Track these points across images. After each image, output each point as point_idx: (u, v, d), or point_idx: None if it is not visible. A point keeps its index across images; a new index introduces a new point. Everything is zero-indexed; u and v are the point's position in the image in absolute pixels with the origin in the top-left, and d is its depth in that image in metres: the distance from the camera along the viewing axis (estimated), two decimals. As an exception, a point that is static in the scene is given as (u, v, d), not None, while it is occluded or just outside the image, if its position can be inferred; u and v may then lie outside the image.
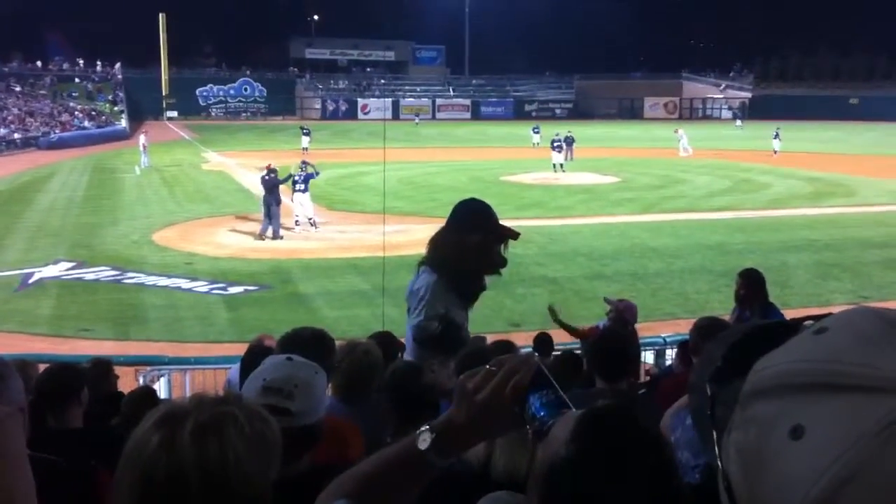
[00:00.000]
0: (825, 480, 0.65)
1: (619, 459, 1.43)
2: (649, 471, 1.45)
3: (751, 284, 7.88)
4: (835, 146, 53.02)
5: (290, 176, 23.77)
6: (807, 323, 0.79)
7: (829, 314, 0.79)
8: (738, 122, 77.89)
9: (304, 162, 25.22)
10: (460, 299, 5.16)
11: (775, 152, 48.07)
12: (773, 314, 7.73)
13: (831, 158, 45.73)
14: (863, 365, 0.69)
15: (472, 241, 5.03)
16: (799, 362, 0.73)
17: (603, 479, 1.41)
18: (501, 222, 5.15)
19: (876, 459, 0.64)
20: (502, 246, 5.15)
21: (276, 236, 22.61)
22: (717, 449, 0.79)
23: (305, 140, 48.94)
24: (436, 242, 5.22)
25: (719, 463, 0.78)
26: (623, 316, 8.00)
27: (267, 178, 22.85)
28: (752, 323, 0.86)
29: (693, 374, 0.90)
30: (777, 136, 49.06)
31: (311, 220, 23.92)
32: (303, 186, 23.67)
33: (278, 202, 22.72)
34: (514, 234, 5.21)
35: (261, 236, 22.64)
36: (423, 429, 1.57)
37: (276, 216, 22.77)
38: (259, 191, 24.01)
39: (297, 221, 23.90)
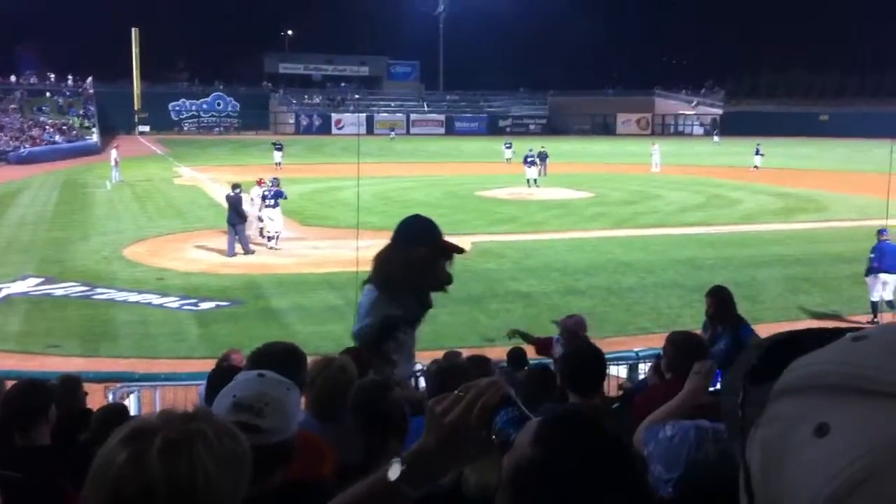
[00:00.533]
0: (840, 481, 0.66)
1: (582, 456, 1.45)
2: (613, 467, 1.46)
3: (719, 303, 7.97)
4: (806, 162, 53.64)
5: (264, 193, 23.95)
6: (846, 336, 0.79)
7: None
8: (716, 138, 78.44)
9: (274, 178, 25.36)
10: (408, 318, 5.15)
11: (756, 167, 48.57)
12: (744, 329, 7.82)
13: (808, 174, 46.22)
14: (894, 372, 0.70)
15: (416, 256, 5.03)
16: (832, 364, 0.74)
17: (568, 476, 1.42)
18: (449, 238, 5.16)
19: (889, 466, 0.65)
20: (447, 262, 5.14)
21: (246, 251, 22.54)
22: (742, 444, 0.80)
23: (278, 155, 48.97)
24: (381, 259, 5.22)
25: (743, 459, 0.79)
26: (577, 333, 8.01)
27: (232, 195, 22.99)
28: (794, 330, 0.88)
29: (727, 376, 0.91)
30: (758, 151, 49.54)
31: (276, 235, 23.86)
32: (272, 202, 23.64)
33: (244, 219, 22.89)
34: (459, 250, 5.21)
35: (231, 254, 22.53)
36: (393, 460, 1.57)
37: (242, 232, 22.85)
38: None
39: (269, 237, 23.82)
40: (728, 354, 7.39)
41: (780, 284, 19.27)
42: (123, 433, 1.55)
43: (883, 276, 15.93)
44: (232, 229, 22.73)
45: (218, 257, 22.48)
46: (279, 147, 50.07)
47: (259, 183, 24.52)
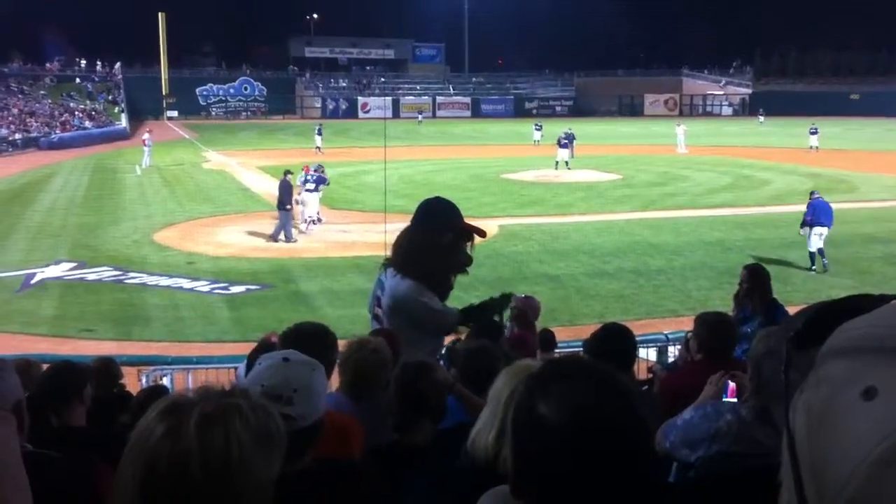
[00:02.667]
0: (890, 442, 0.65)
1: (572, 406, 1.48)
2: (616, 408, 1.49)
3: (754, 278, 7.87)
4: (836, 142, 52.98)
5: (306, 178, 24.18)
6: (893, 302, 0.79)
7: None
8: (761, 118, 77.11)
9: (318, 165, 25.66)
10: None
11: (813, 147, 47.54)
12: (777, 311, 7.72)
13: (838, 154, 45.60)
14: None
15: (444, 241, 5.02)
16: (881, 327, 0.74)
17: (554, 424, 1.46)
18: (472, 221, 5.18)
19: None
20: (469, 245, 5.14)
21: (288, 239, 22.48)
22: (785, 410, 0.80)
23: (318, 139, 49.45)
24: (404, 244, 5.18)
25: (787, 423, 0.79)
26: (525, 313, 7.96)
27: (283, 180, 22.93)
28: (839, 298, 0.88)
29: (769, 342, 0.92)
30: (815, 131, 48.37)
31: (311, 220, 24.03)
32: (313, 187, 23.98)
33: (289, 206, 22.68)
34: (481, 232, 5.22)
35: (273, 238, 22.57)
36: None
37: (288, 220, 22.72)
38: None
39: (310, 221, 24.00)
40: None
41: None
42: (161, 407, 1.57)
43: (817, 228, 18.58)
44: (283, 214, 22.55)
45: (248, 241, 22.62)
46: (320, 131, 50.49)
47: (305, 170, 24.53)
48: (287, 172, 23.28)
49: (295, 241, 22.47)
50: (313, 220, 24.08)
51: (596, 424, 1.47)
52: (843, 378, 0.73)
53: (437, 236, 5.05)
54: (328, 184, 24.75)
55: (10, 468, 1.73)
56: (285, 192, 22.56)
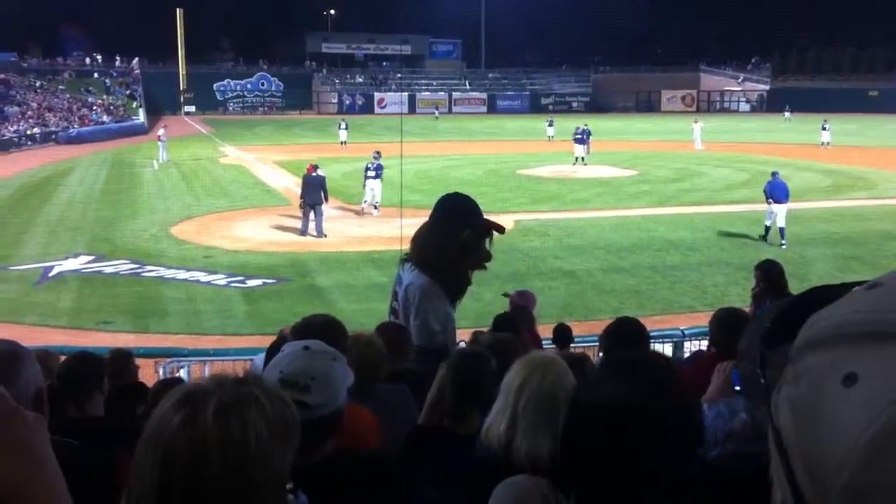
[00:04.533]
0: (878, 425, 0.66)
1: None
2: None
3: (767, 277, 7.82)
4: (855, 139, 52.58)
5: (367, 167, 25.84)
6: (856, 289, 0.79)
7: None
8: (787, 114, 76.46)
9: (376, 152, 26.70)
10: (449, 297, 5.17)
11: (823, 144, 48.05)
12: None
13: (857, 151, 45.28)
14: None
15: (465, 239, 5.02)
16: (852, 314, 0.74)
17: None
18: (490, 217, 5.18)
19: None
20: (488, 240, 5.14)
21: (319, 234, 22.50)
22: (769, 408, 0.80)
23: (343, 134, 50.23)
24: (423, 240, 5.18)
25: (770, 421, 0.79)
26: (523, 308, 7.90)
27: (314, 176, 22.85)
28: (804, 291, 0.88)
29: (742, 342, 0.92)
30: (826, 128, 48.86)
31: (376, 204, 25.56)
32: (374, 173, 25.53)
33: (320, 202, 22.66)
34: (501, 228, 5.21)
35: (303, 233, 22.62)
36: None
37: (321, 214, 22.73)
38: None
39: (365, 202, 25.77)
40: None
41: (829, 262, 19.00)
42: (177, 396, 1.56)
43: (774, 206, 21.04)
44: (311, 210, 22.57)
45: (264, 235, 22.71)
46: (345, 126, 51.15)
47: (308, 169, 24.39)
48: (316, 167, 23.22)
49: (325, 235, 22.50)
50: (375, 205, 25.63)
51: (641, 419, 1.49)
52: (821, 369, 0.73)
53: (454, 233, 5.02)
54: (383, 169, 26.07)
55: (57, 468, 1.70)
56: (320, 187, 22.60)
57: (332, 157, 40.70)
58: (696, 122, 50.99)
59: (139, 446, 1.55)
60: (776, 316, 0.85)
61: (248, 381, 1.64)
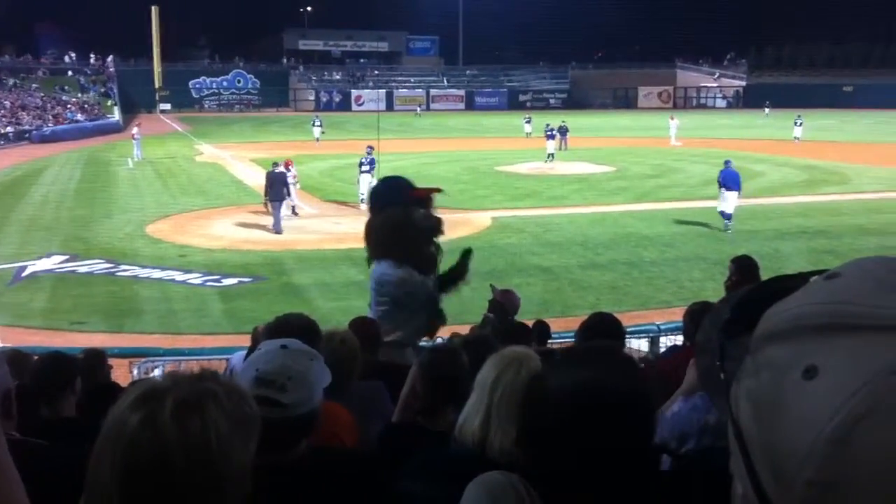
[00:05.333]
0: (840, 417, 0.65)
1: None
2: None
3: (743, 269, 7.86)
4: (830, 134, 53.05)
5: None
6: (813, 279, 0.78)
7: None
8: (767, 111, 77.10)
9: (370, 147, 27.10)
10: (421, 271, 5.32)
11: (795, 139, 48.80)
12: None
13: (832, 146, 45.69)
14: (876, 306, 0.69)
15: (396, 215, 5.17)
16: (811, 305, 0.73)
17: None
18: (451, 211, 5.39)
19: (890, 396, 0.64)
20: (428, 209, 5.28)
21: (275, 228, 22.65)
22: (727, 400, 0.79)
23: (317, 131, 50.70)
24: (368, 233, 5.37)
25: (730, 414, 0.78)
26: (502, 306, 7.93)
27: (275, 172, 23.23)
28: (762, 281, 0.87)
29: (700, 334, 0.90)
30: (799, 123, 49.63)
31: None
32: (367, 167, 26.07)
33: (280, 198, 22.88)
34: (434, 190, 5.38)
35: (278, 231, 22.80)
36: None
37: (278, 210, 22.90)
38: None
39: (362, 195, 25.24)
40: None
41: (804, 257, 19.13)
42: (133, 396, 1.54)
43: (726, 192, 22.31)
44: (275, 205, 22.83)
45: (240, 233, 22.60)
46: (319, 123, 51.67)
47: (286, 164, 24.82)
48: (276, 164, 23.52)
49: (281, 232, 22.63)
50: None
51: (601, 399, 1.48)
52: (781, 361, 0.72)
53: (390, 215, 5.26)
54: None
55: (13, 469, 1.69)
56: (282, 183, 22.89)
57: (310, 154, 40.59)
58: (672, 118, 51.28)
59: (97, 447, 1.52)
60: (735, 306, 0.84)
61: (205, 376, 1.62)
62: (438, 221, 5.33)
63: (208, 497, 1.51)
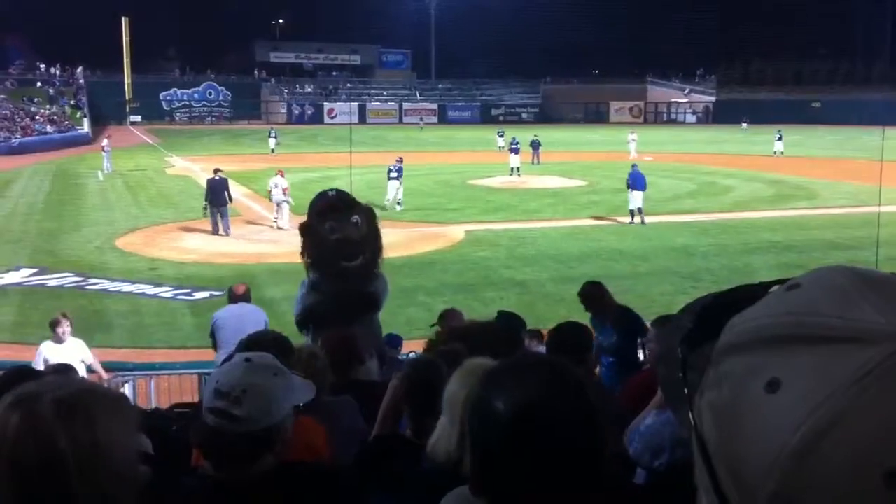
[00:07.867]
0: (803, 431, 0.65)
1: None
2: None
3: (588, 299, 8.10)
4: (798, 149, 53.64)
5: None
6: (774, 288, 0.78)
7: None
8: (744, 125, 78.12)
9: (399, 158, 29.86)
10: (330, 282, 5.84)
11: (776, 153, 50.20)
12: (632, 320, 7.91)
13: (800, 161, 46.20)
14: (838, 317, 0.69)
15: (303, 229, 6.03)
16: (773, 316, 0.73)
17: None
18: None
19: (853, 409, 0.64)
20: (332, 223, 5.78)
21: (227, 232, 23.86)
22: (689, 413, 0.79)
23: (272, 142, 52.00)
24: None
25: (692, 426, 0.77)
26: (449, 324, 7.98)
27: (216, 179, 24.45)
28: (724, 290, 0.87)
29: (661, 345, 0.90)
30: (779, 137, 50.86)
31: (399, 202, 28.50)
32: (396, 174, 28.51)
33: (224, 203, 24.07)
34: (327, 201, 5.89)
35: (214, 232, 23.98)
36: None
37: (226, 214, 24.08)
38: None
39: (388, 200, 27.91)
40: (619, 348, 7.46)
41: (774, 271, 19.28)
42: (8, 400, 1.53)
43: (634, 192, 25.58)
44: (216, 211, 23.95)
45: (212, 246, 22.45)
46: (274, 135, 53.15)
47: (279, 173, 26.09)
48: (217, 170, 24.84)
49: (230, 234, 23.91)
50: (398, 202, 28.59)
51: (546, 419, 1.47)
52: (743, 374, 0.72)
53: (302, 232, 6.11)
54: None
55: None
56: (223, 189, 24.18)
57: (272, 167, 40.40)
58: (631, 132, 51.81)
59: None
60: (697, 317, 0.84)
61: (74, 379, 1.62)
62: (342, 228, 5.85)
63: (103, 487, 1.49)
